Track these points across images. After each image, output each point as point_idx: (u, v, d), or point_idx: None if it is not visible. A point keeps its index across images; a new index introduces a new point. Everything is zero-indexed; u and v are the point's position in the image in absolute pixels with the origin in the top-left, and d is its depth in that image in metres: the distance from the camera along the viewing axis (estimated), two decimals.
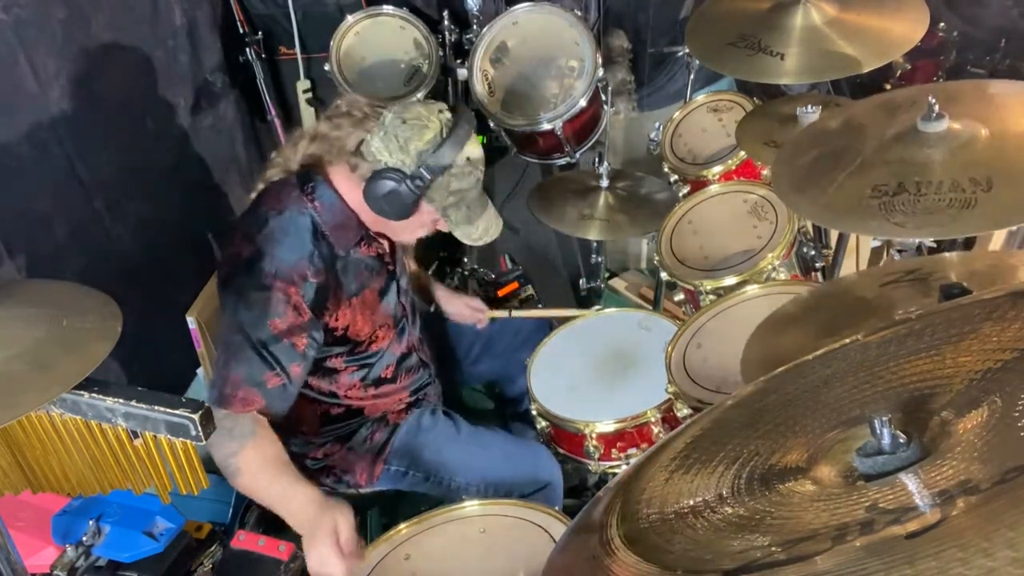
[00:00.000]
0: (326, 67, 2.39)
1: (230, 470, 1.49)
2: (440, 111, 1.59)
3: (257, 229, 1.59)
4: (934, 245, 1.89)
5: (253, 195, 1.71)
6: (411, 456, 1.81)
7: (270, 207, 1.62)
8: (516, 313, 2.17)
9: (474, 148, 1.62)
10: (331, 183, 1.64)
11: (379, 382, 1.82)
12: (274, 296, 1.53)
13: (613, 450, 1.80)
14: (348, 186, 1.63)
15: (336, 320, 1.66)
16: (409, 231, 1.72)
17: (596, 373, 1.92)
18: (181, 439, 1.19)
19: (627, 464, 1.79)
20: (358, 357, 1.76)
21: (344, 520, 1.43)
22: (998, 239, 2.23)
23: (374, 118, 1.60)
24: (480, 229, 1.69)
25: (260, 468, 1.49)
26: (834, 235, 2.12)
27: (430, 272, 2.61)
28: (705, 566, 0.64)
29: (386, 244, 1.77)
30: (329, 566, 1.39)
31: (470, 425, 1.89)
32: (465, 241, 1.70)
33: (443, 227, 1.70)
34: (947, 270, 1.28)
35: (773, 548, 0.61)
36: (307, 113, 2.70)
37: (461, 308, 2.17)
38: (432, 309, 2.28)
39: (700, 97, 2.47)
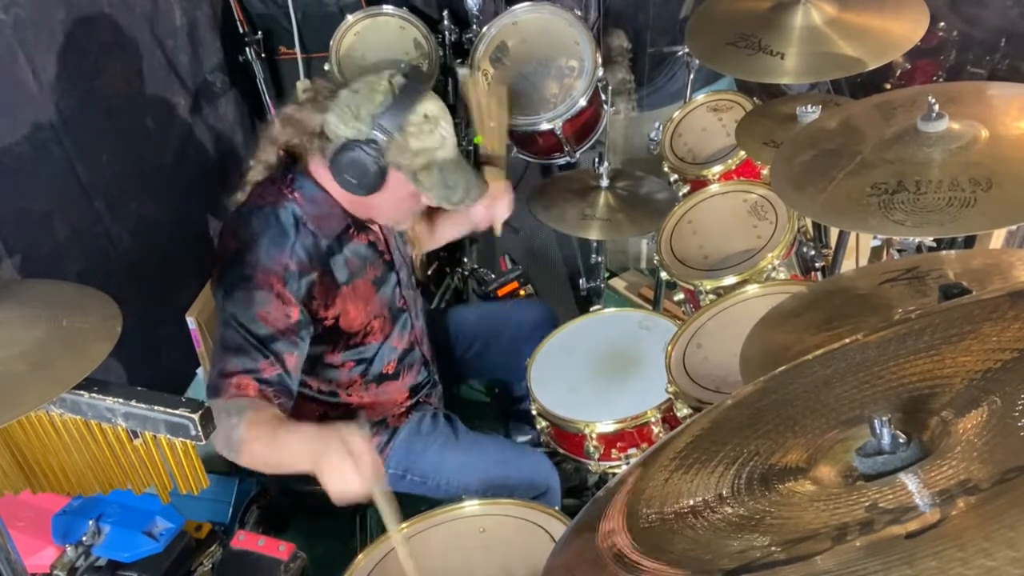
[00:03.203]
0: (326, 67, 2.39)
1: (234, 444, 1.45)
2: (392, 75, 1.57)
3: (241, 225, 1.61)
4: (934, 244, 1.89)
5: (240, 195, 1.71)
6: (409, 459, 1.81)
7: (253, 203, 1.64)
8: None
9: (431, 105, 1.58)
10: (310, 174, 1.64)
11: (381, 379, 1.82)
12: (259, 288, 1.54)
13: (613, 450, 1.80)
14: (325, 174, 1.62)
15: (326, 310, 1.66)
16: (390, 209, 1.68)
17: (596, 373, 1.91)
18: (181, 439, 1.19)
19: (627, 464, 1.79)
20: (354, 351, 1.76)
21: (349, 432, 1.36)
22: (998, 238, 2.23)
23: (332, 99, 1.59)
24: (460, 192, 1.62)
25: (259, 430, 1.46)
26: (834, 235, 2.12)
27: (429, 273, 2.61)
28: (705, 566, 0.64)
29: (380, 232, 1.77)
30: (348, 481, 1.32)
31: (469, 430, 1.89)
32: (446, 206, 1.65)
33: (427, 201, 1.65)
34: (945, 268, 1.27)
35: (773, 548, 0.61)
36: None
37: (480, 211, 2.02)
38: (436, 305, 2.26)
39: (700, 97, 2.47)
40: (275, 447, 1.45)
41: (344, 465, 1.32)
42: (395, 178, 1.59)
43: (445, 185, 1.60)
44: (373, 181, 1.57)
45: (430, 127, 1.56)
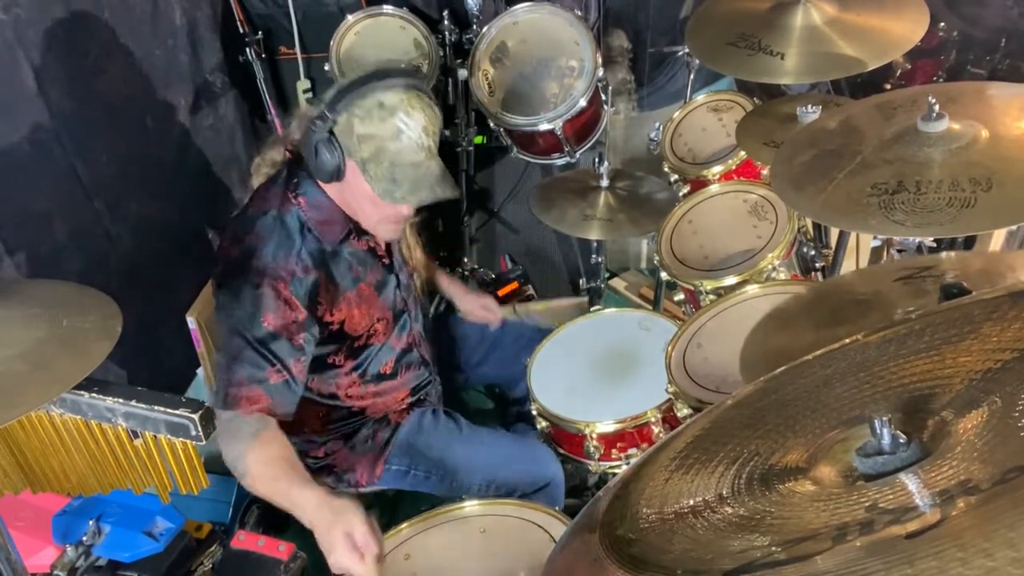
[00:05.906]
0: (326, 67, 2.39)
1: (238, 471, 1.47)
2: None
3: (245, 230, 1.61)
4: (934, 244, 1.89)
5: (254, 181, 1.73)
6: (412, 454, 1.81)
7: (256, 207, 1.64)
8: (520, 309, 2.15)
9: (393, 96, 1.52)
10: (315, 179, 1.64)
11: (379, 378, 1.82)
12: (265, 293, 1.54)
13: (613, 450, 1.80)
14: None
15: (332, 315, 1.66)
16: (362, 211, 1.65)
17: (596, 373, 1.92)
18: (181, 439, 1.20)
19: (627, 464, 1.79)
20: (356, 352, 1.76)
21: (357, 520, 1.36)
22: (998, 239, 2.23)
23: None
24: (404, 190, 1.55)
25: (266, 469, 1.47)
26: (834, 235, 2.12)
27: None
28: (705, 566, 0.64)
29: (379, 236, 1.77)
30: (351, 569, 1.34)
31: (471, 425, 1.89)
32: (386, 200, 1.57)
33: (405, 211, 1.62)
34: (954, 269, 1.27)
35: (773, 548, 0.61)
36: None
37: (475, 307, 2.15)
38: (435, 310, 2.27)
39: (700, 97, 2.47)
40: (276, 496, 1.46)
41: (350, 560, 1.32)
42: (351, 169, 1.57)
43: (391, 179, 1.54)
44: (328, 162, 1.54)
45: (382, 115, 1.51)
